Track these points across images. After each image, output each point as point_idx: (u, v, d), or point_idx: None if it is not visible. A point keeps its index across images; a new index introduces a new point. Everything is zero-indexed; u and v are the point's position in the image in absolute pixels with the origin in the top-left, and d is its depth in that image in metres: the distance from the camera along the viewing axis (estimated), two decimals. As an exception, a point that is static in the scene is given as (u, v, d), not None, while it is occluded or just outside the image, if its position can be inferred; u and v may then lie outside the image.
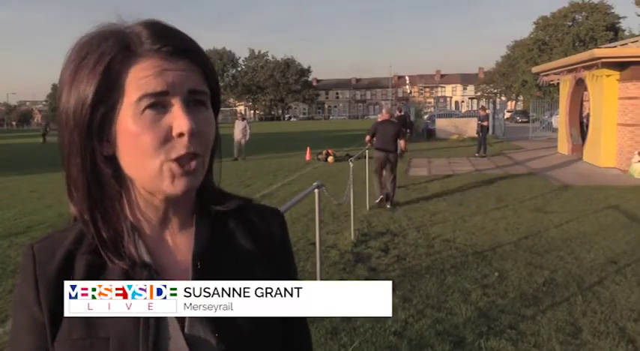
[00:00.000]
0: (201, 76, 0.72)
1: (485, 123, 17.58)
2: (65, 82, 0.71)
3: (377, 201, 8.99)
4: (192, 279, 0.73)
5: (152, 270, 0.73)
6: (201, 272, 0.74)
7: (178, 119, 0.68)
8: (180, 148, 0.69)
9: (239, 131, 18.13)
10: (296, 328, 0.86)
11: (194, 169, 0.70)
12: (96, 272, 0.72)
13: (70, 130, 0.71)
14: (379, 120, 9.42)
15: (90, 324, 0.70)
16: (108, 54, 0.69)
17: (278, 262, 0.84)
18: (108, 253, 0.72)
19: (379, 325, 3.98)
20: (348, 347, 3.66)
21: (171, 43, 0.70)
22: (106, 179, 0.73)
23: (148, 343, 0.69)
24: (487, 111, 19.68)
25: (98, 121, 0.70)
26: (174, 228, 0.77)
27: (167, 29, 0.72)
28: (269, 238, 0.84)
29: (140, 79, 0.68)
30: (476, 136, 19.20)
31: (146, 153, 0.68)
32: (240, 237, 0.81)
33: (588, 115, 15.18)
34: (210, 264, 0.76)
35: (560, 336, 3.79)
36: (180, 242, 0.77)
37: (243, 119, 19.03)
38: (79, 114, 0.70)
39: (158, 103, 0.68)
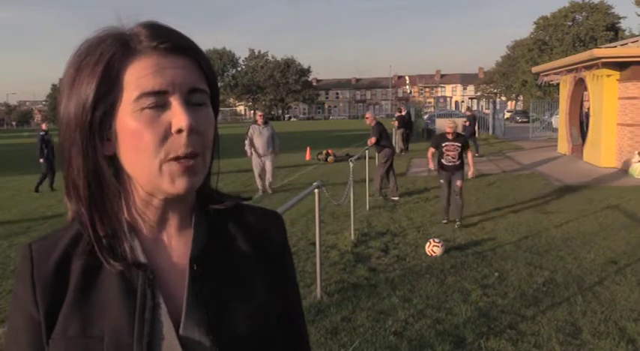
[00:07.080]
0: (200, 75, 0.72)
1: (467, 123, 17.02)
2: (65, 86, 0.71)
3: (395, 197, 9.53)
4: (189, 280, 0.73)
5: (148, 271, 0.72)
6: (198, 274, 0.74)
7: (177, 116, 0.68)
8: (179, 146, 0.68)
9: (262, 145, 10.28)
10: (294, 329, 0.86)
11: (194, 168, 0.70)
12: (92, 274, 0.72)
13: (71, 131, 0.71)
14: (376, 123, 9.87)
15: (85, 323, 0.70)
16: (107, 53, 0.69)
17: (277, 265, 0.84)
18: (104, 254, 0.71)
19: (379, 325, 3.98)
20: (348, 347, 3.65)
21: (170, 40, 0.70)
22: (107, 179, 0.72)
23: (142, 344, 0.69)
24: (473, 112, 19.13)
25: (99, 120, 0.70)
26: (172, 228, 0.77)
27: (165, 28, 0.72)
28: (268, 241, 0.84)
29: (139, 78, 0.68)
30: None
31: (146, 151, 0.68)
32: (238, 239, 0.80)
33: (588, 114, 15.16)
34: (208, 266, 0.75)
35: (560, 336, 3.79)
36: (178, 243, 0.77)
37: (266, 123, 10.53)
38: (80, 115, 0.70)
39: (157, 102, 0.68)
